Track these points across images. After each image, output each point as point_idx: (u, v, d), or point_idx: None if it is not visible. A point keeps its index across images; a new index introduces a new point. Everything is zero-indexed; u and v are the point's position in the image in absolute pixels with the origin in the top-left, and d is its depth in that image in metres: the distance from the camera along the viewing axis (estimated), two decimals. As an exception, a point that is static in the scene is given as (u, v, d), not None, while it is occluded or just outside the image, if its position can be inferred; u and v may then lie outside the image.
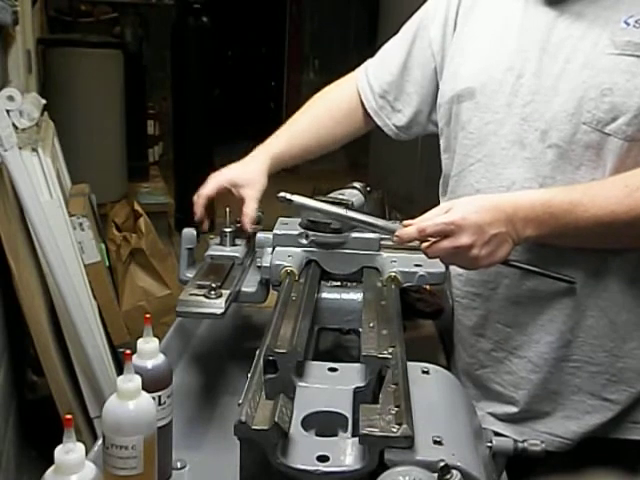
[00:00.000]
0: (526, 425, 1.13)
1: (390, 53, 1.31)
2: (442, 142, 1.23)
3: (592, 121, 1.00)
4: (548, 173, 1.04)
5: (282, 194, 1.01)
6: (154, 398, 0.78)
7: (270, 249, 1.08)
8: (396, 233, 0.98)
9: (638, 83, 0.98)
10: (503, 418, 1.15)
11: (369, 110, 1.32)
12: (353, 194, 1.14)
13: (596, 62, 1.00)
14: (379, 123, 1.32)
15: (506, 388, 1.14)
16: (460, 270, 1.17)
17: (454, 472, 0.66)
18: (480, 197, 1.03)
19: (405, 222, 0.98)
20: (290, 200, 1.01)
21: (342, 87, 1.38)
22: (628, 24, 1.00)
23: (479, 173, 1.11)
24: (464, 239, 0.94)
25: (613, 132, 1.00)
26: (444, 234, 0.95)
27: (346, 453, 0.69)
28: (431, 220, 0.95)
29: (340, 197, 1.10)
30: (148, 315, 0.83)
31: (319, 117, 1.34)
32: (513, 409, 1.14)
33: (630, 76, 0.98)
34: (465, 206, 0.96)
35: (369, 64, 1.35)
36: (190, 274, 1.10)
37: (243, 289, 1.06)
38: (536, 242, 1.02)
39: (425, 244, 0.97)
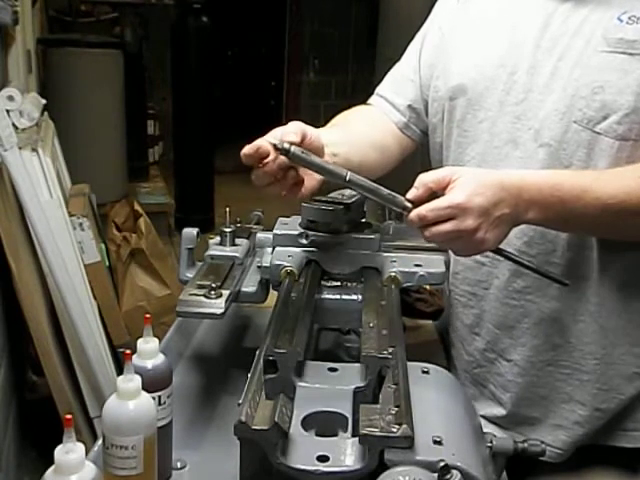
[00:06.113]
0: (516, 430, 1.12)
1: (401, 66, 1.27)
2: (434, 138, 1.21)
3: (583, 120, 1.00)
4: None
5: (280, 141, 0.90)
6: (154, 398, 0.78)
7: (270, 249, 1.08)
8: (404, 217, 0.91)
9: (630, 81, 0.97)
10: (494, 421, 1.15)
11: (398, 125, 1.24)
12: (353, 194, 1.13)
13: (588, 60, 1.00)
14: (408, 133, 1.25)
15: (497, 389, 1.14)
16: (457, 269, 1.17)
17: (454, 472, 0.66)
18: (483, 173, 0.95)
19: (408, 196, 0.91)
20: (288, 150, 0.90)
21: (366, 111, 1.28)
22: (621, 20, 0.99)
23: None
24: (469, 222, 0.87)
25: (604, 131, 0.99)
26: (447, 218, 0.88)
27: (346, 453, 0.69)
28: (433, 204, 0.88)
29: (340, 197, 1.10)
30: (148, 315, 0.83)
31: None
32: (502, 411, 1.14)
33: (622, 74, 0.97)
34: (468, 185, 0.89)
35: (379, 90, 1.28)
36: (190, 274, 1.10)
37: (243, 289, 1.06)
38: (536, 225, 0.99)
39: (425, 230, 0.90)
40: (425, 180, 0.91)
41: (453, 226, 0.88)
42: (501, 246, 0.95)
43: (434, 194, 0.90)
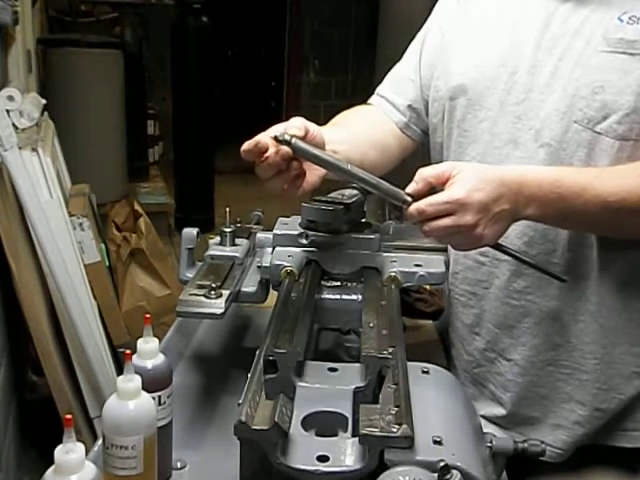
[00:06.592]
0: (516, 430, 1.12)
1: (401, 66, 1.27)
2: (435, 138, 1.21)
3: (583, 119, 1.00)
4: None
5: (281, 133, 0.91)
6: (154, 398, 0.78)
7: (270, 249, 1.08)
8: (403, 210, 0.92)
9: (630, 81, 0.97)
10: (494, 421, 1.15)
11: (399, 124, 1.24)
12: (353, 194, 1.13)
13: (588, 60, 1.00)
14: (409, 133, 1.25)
15: (497, 388, 1.14)
16: (457, 269, 1.17)
17: (454, 472, 0.66)
18: (483, 168, 0.96)
19: (407, 190, 0.91)
20: (289, 142, 0.91)
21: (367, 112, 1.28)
22: (622, 20, 0.99)
23: None
24: (468, 218, 0.87)
25: (604, 131, 0.99)
26: (446, 213, 0.88)
27: (346, 453, 0.69)
28: (432, 199, 0.89)
29: (340, 197, 1.10)
30: (148, 315, 0.83)
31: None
32: (502, 411, 1.14)
33: (622, 74, 0.97)
34: (468, 180, 0.89)
35: (380, 90, 1.28)
36: (190, 274, 1.10)
37: (243, 289, 1.06)
38: (535, 221, 0.99)
39: (424, 225, 0.90)
40: (425, 175, 0.91)
41: (452, 221, 0.88)
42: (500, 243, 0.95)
43: (434, 189, 0.90)
